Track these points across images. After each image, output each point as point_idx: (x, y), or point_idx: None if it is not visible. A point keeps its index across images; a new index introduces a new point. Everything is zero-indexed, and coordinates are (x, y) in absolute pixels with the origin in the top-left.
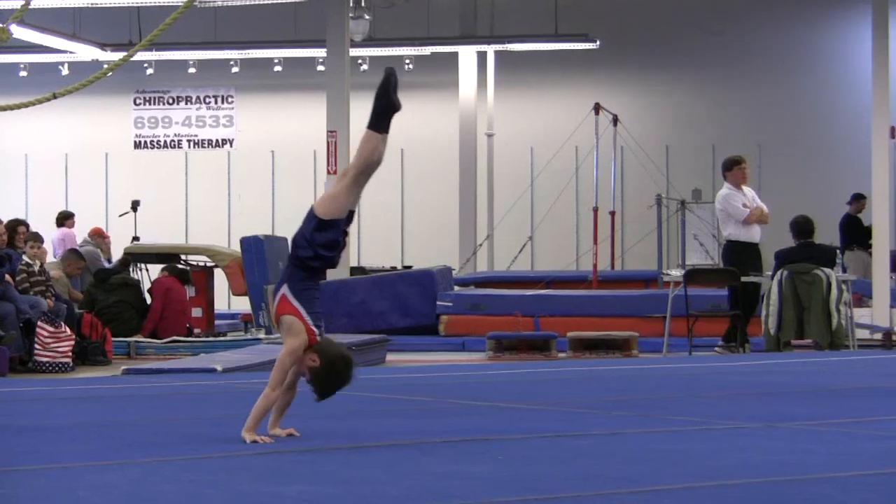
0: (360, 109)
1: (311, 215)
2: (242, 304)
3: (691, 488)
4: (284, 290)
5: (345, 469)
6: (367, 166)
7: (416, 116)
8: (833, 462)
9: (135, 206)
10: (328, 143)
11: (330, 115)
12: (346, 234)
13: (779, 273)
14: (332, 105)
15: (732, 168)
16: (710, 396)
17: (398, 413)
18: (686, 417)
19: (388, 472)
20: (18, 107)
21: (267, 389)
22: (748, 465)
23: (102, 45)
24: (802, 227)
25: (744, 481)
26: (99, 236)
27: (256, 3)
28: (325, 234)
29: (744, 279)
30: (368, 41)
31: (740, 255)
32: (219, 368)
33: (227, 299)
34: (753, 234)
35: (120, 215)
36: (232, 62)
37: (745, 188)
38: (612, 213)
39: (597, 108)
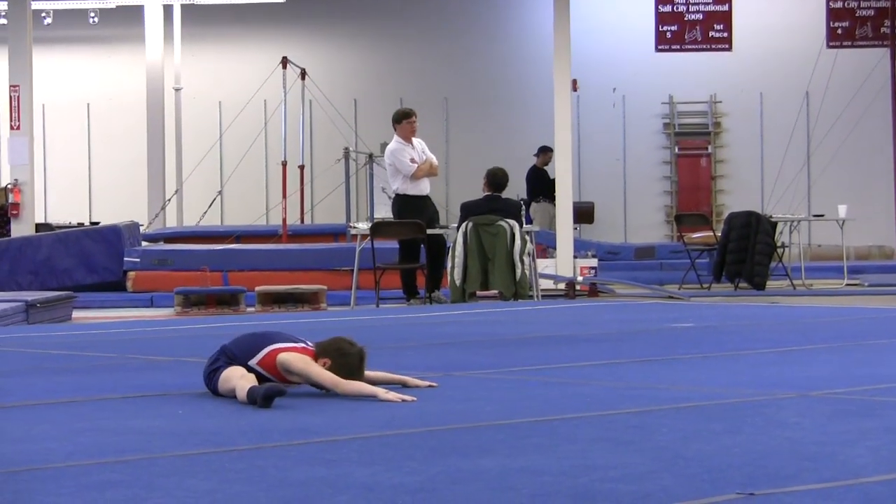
0: (43, 63)
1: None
2: None
3: (368, 438)
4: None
5: (16, 426)
6: None
7: (102, 71)
8: (504, 409)
9: None
10: (10, 97)
11: (12, 68)
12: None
13: (463, 225)
14: (14, 59)
15: (402, 121)
16: (393, 347)
17: (78, 370)
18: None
19: (60, 429)
20: None
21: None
22: (422, 413)
23: None
24: (495, 180)
25: (415, 430)
26: None
27: None
28: None
29: (430, 232)
30: None
31: (409, 209)
32: None
33: None
34: (422, 187)
35: None
36: None
37: (415, 140)
38: (301, 167)
39: (284, 63)
